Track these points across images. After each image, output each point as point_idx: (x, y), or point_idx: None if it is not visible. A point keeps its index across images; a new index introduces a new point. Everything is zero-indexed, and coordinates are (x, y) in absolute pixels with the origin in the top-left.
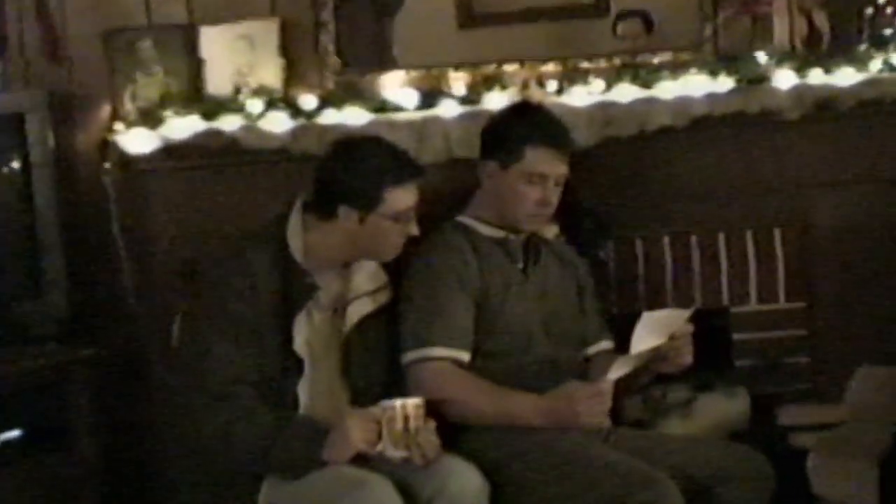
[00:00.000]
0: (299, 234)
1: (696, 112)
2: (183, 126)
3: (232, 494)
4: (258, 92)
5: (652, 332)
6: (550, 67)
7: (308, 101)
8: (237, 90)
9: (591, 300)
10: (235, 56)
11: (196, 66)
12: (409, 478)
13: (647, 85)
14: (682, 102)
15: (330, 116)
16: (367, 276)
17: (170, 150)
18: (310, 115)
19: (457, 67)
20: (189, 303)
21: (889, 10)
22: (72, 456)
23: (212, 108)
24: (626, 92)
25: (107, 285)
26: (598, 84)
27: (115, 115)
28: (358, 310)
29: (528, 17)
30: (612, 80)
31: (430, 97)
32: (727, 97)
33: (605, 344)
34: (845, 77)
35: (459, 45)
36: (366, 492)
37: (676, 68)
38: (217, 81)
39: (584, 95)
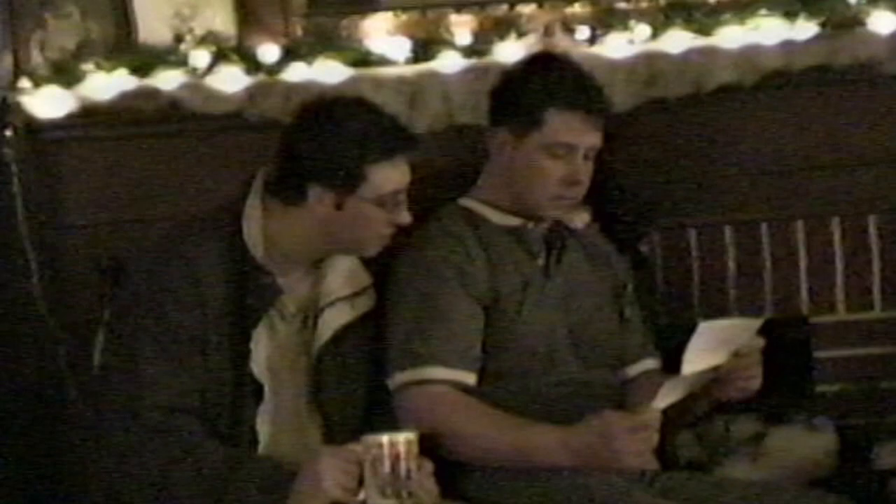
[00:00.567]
0: (258, 223)
1: (768, 65)
2: (107, 83)
3: None
4: (204, 40)
5: (711, 347)
6: (579, 8)
7: (269, 52)
8: (177, 38)
9: (632, 307)
10: None
11: (123, 7)
12: None
13: (704, 31)
14: (750, 53)
15: (297, 72)
16: (344, 277)
17: (90, 114)
18: (271, 69)
19: (459, 8)
20: (115, 311)
21: None
22: None
23: (144, 60)
24: (677, 40)
25: (8, 289)
26: (641, 30)
27: (19, 69)
28: (332, 320)
29: None
30: (658, 24)
31: (425, 47)
32: (808, 46)
33: (650, 362)
34: None
35: None
36: None
37: (742, 9)
38: (151, 26)
39: (622, 45)
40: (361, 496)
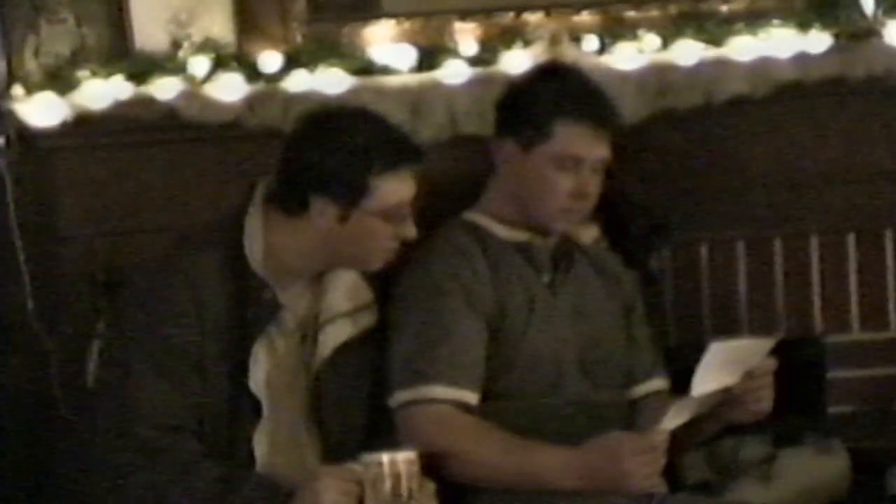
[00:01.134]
0: (259, 235)
1: (781, 77)
2: (103, 91)
3: None
4: (203, 47)
5: (721, 367)
6: (587, 17)
7: (269, 59)
8: (175, 44)
9: (641, 325)
10: None
11: (119, 12)
12: None
13: (715, 41)
14: (763, 65)
15: (298, 80)
16: (345, 292)
17: (85, 123)
18: (271, 78)
19: (464, 16)
20: (110, 325)
21: None
22: None
23: (141, 67)
24: (688, 51)
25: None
26: (651, 40)
27: (12, 76)
28: (333, 336)
29: None
30: (669, 34)
31: (429, 56)
32: (822, 58)
33: (659, 383)
34: None
35: None
36: None
37: (755, 19)
38: (147, 32)
39: (632, 55)
40: None
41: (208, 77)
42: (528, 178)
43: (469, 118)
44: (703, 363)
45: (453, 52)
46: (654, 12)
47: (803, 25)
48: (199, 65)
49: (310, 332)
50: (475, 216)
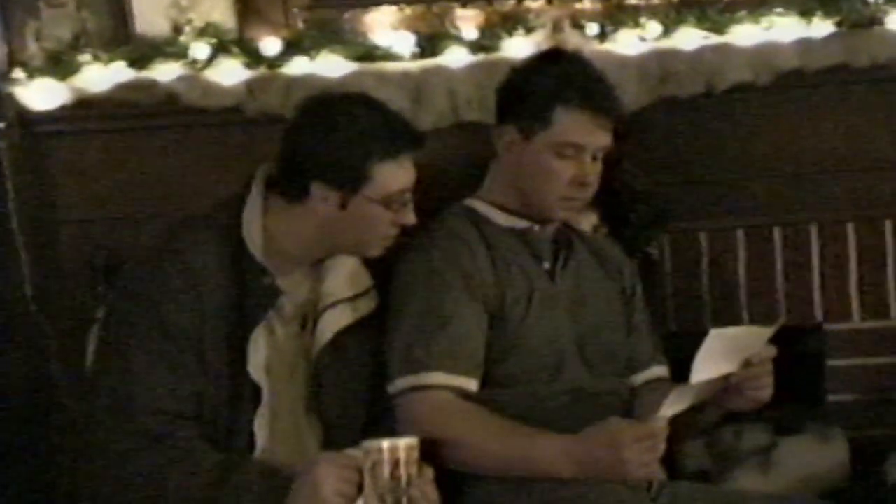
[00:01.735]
0: (258, 221)
1: (784, 65)
2: (103, 75)
3: None
4: (204, 32)
5: (721, 355)
6: (588, 4)
7: (270, 44)
8: (176, 29)
9: (641, 313)
10: None
11: None
12: None
13: (717, 28)
14: (765, 52)
15: (299, 66)
16: (345, 278)
17: (85, 107)
18: (272, 63)
19: (465, 3)
20: (108, 310)
21: None
22: None
23: (142, 52)
24: (690, 38)
25: None
26: (652, 27)
27: (13, 60)
28: (333, 322)
29: None
30: (671, 21)
31: (430, 41)
32: (824, 45)
33: (659, 370)
34: None
35: None
36: None
37: (757, 7)
38: (149, 17)
39: (634, 42)
40: (360, 503)
41: (209, 62)
42: (528, 165)
43: (470, 105)
44: (702, 351)
45: (455, 39)
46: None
47: (806, 13)
48: (200, 50)
49: (309, 318)
50: (475, 203)
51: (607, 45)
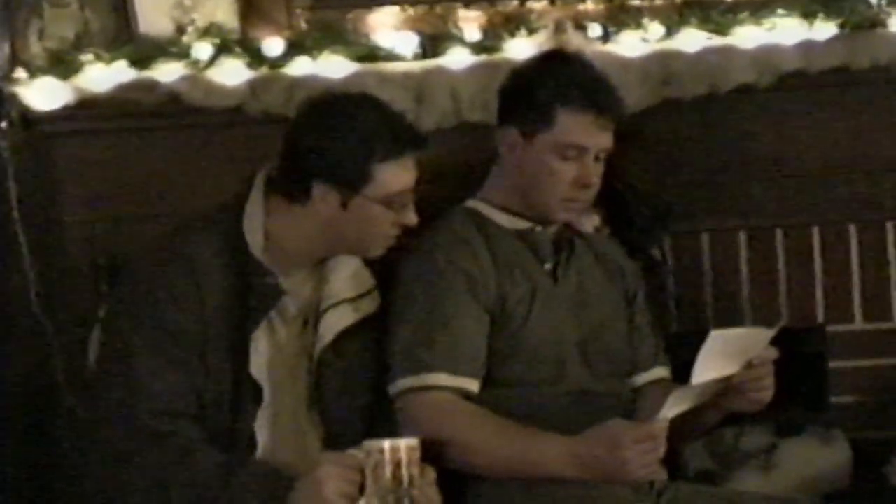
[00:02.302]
0: (260, 221)
1: (786, 66)
2: (105, 75)
3: None
4: (206, 32)
5: (722, 356)
6: (591, 5)
7: (272, 45)
8: (179, 29)
9: (643, 314)
10: None
11: None
12: None
13: (720, 30)
14: (767, 54)
15: (301, 66)
16: (347, 278)
17: (88, 107)
18: (274, 63)
19: (468, 4)
20: (111, 310)
21: None
22: None
23: (144, 52)
24: (693, 39)
25: (1, 285)
26: (655, 28)
27: (16, 59)
28: (335, 322)
29: None
30: (673, 23)
31: (433, 42)
32: (827, 47)
33: (661, 371)
34: None
35: None
36: None
37: (760, 8)
38: (151, 17)
39: (636, 43)
40: (362, 503)
41: (212, 62)
42: (530, 166)
43: (473, 105)
44: (703, 352)
45: (457, 40)
46: (659, 1)
47: (808, 15)
48: (203, 50)
49: (311, 318)
50: (477, 204)
51: (610, 47)
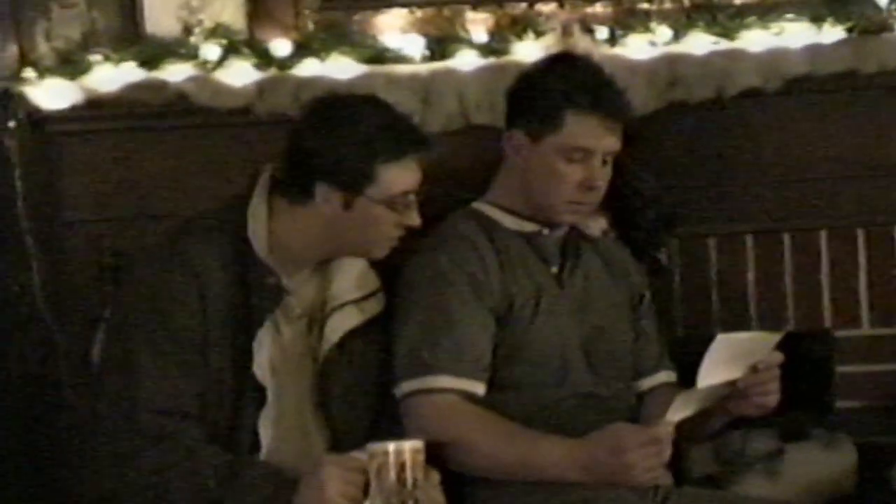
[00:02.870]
0: (264, 222)
1: (793, 70)
2: (113, 75)
3: None
4: (214, 33)
5: (728, 360)
6: (599, 8)
7: (280, 46)
8: (186, 30)
9: (649, 318)
10: None
11: None
12: None
13: (727, 34)
14: (775, 57)
15: (308, 67)
16: (352, 280)
17: (95, 106)
18: (282, 64)
19: (476, 6)
20: (114, 310)
21: None
22: None
23: (152, 52)
24: (700, 42)
25: (7, 284)
26: (662, 32)
27: (24, 59)
28: (340, 323)
29: None
30: (680, 26)
31: (440, 44)
32: (834, 51)
33: (666, 375)
34: None
35: None
36: None
37: (767, 12)
38: (159, 17)
39: (644, 46)
40: None
41: (219, 63)
42: (537, 168)
43: (480, 108)
44: (708, 356)
45: (465, 42)
46: (667, 4)
47: (816, 19)
48: (211, 50)
49: (316, 318)
50: (483, 206)
51: (617, 50)
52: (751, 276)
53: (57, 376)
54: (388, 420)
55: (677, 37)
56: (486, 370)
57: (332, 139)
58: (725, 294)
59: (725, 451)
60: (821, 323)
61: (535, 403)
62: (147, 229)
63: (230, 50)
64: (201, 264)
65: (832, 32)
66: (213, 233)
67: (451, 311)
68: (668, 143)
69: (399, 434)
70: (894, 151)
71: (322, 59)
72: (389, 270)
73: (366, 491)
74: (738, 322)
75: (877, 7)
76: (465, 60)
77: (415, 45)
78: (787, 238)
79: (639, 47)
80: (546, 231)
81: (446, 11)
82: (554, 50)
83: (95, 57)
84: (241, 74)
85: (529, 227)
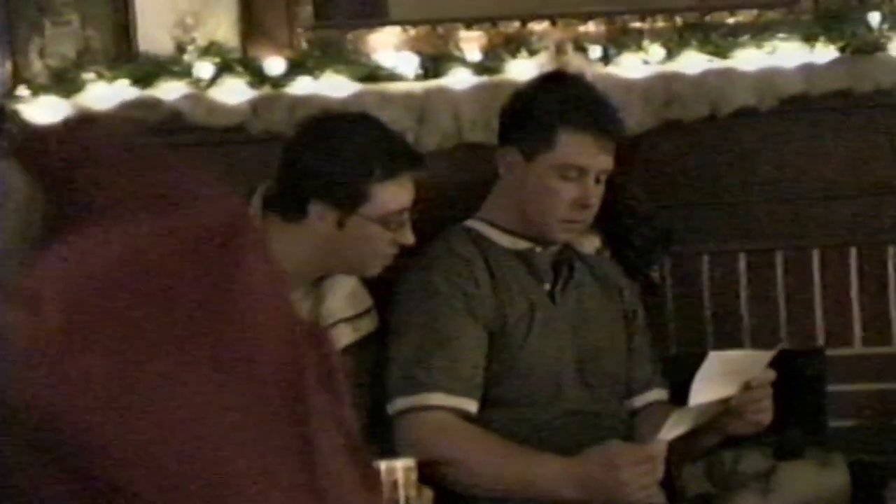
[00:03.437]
0: None
1: (787, 89)
2: (107, 93)
3: None
4: (208, 51)
5: (720, 378)
6: (592, 27)
7: (274, 64)
8: (180, 48)
9: (642, 335)
10: (178, 1)
11: (124, 14)
12: None
13: (721, 53)
14: (768, 76)
15: (302, 85)
16: (345, 298)
17: None
18: (276, 82)
19: (470, 24)
20: None
21: None
22: None
23: (146, 70)
24: (694, 61)
25: None
26: (655, 51)
27: (18, 77)
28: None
29: None
30: (674, 45)
31: (434, 63)
32: (828, 70)
33: (659, 393)
34: None
35: None
36: None
37: (761, 31)
38: (152, 35)
39: (637, 65)
40: None
41: (213, 81)
42: (530, 186)
43: (474, 126)
44: (700, 373)
45: (459, 60)
46: (660, 23)
47: (809, 38)
48: (205, 69)
49: None
50: (476, 223)
51: (611, 68)
52: (744, 293)
53: None
54: (380, 438)
55: (671, 55)
56: (480, 387)
57: (326, 157)
58: (718, 311)
59: (718, 470)
60: (813, 341)
61: (528, 421)
62: None
63: (224, 68)
64: None
65: (825, 52)
66: None
67: (444, 328)
68: (663, 162)
69: (392, 452)
70: (888, 170)
71: (316, 78)
72: (381, 288)
73: None
74: (730, 339)
75: (869, 27)
76: (459, 79)
77: (409, 64)
78: (779, 256)
79: (632, 66)
80: (539, 248)
81: (440, 30)
82: (547, 68)
83: (89, 75)
84: (235, 92)
85: (522, 244)
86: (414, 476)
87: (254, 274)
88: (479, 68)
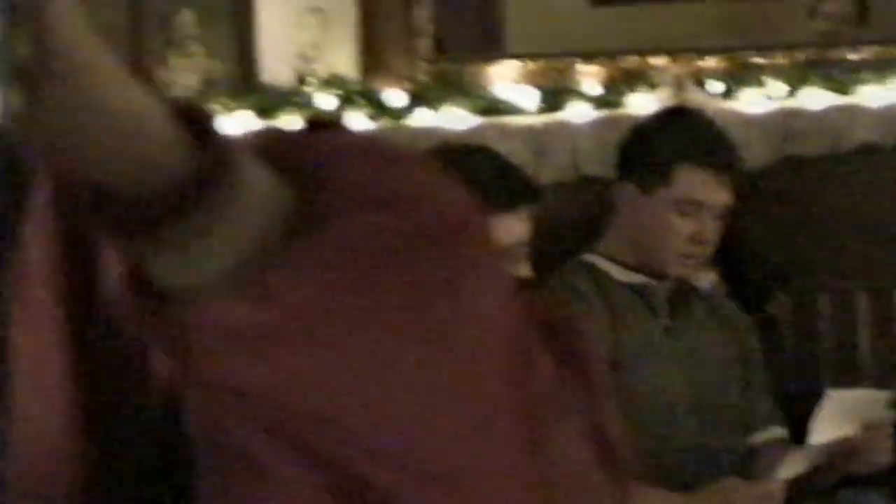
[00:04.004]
0: None
1: None
2: (231, 123)
3: None
4: (329, 83)
5: (839, 418)
6: (711, 62)
7: (394, 96)
8: (301, 79)
9: (759, 372)
10: (300, 34)
11: (247, 46)
12: None
13: (843, 89)
14: (891, 113)
15: (423, 117)
16: None
17: None
18: (397, 114)
19: (588, 58)
20: None
21: None
22: None
23: (269, 101)
24: (816, 97)
25: None
26: (776, 86)
27: None
28: None
29: None
30: (795, 80)
31: (554, 97)
32: None
33: (777, 431)
34: None
35: (592, 27)
36: None
37: (883, 67)
38: (275, 66)
39: (759, 100)
40: None
41: (334, 112)
42: (647, 221)
43: (592, 160)
44: (820, 413)
45: (578, 94)
46: (781, 59)
47: None
48: (325, 100)
49: None
50: (593, 257)
51: (731, 104)
52: (863, 333)
53: None
54: None
55: (793, 91)
56: None
57: None
58: (836, 350)
59: None
60: None
61: (643, 456)
62: None
63: (345, 100)
64: None
65: None
66: None
67: None
68: (782, 198)
69: None
70: None
71: (435, 110)
72: None
73: None
74: (849, 379)
75: None
76: (578, 112)
77: (528, 97)
78: None
79: (753, 101)
80: (655, 283)
81: (558, 63)
82: (667, 103)
83: (213, 105)
84: (355, 124)
85: (639, 278)
86: None
87: (483, 268)
88: (599, 102)
